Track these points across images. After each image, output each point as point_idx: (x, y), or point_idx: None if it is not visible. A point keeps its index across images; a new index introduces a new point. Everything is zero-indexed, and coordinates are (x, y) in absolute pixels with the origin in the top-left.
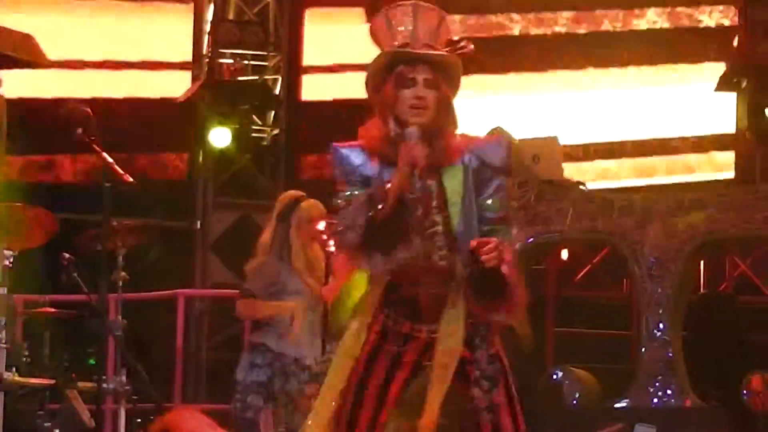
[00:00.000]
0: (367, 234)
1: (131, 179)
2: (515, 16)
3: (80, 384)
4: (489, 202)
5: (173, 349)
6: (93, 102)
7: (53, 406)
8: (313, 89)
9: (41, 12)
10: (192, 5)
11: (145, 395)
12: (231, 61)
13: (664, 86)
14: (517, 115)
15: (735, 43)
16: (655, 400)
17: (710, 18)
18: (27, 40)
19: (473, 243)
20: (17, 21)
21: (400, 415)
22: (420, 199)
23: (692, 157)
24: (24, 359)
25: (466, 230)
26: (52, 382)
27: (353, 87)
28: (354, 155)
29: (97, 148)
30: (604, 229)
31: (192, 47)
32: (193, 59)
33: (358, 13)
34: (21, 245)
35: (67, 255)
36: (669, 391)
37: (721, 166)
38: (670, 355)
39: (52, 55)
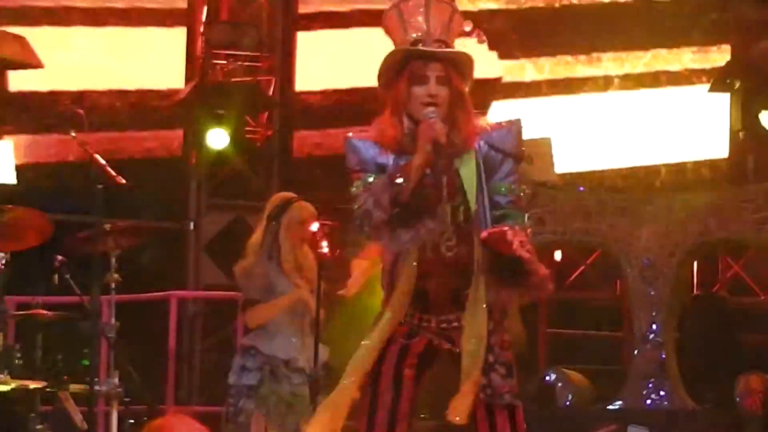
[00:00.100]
0: (392, 212)
1: (124, 181)
2: None
3: (72, 386)
4: (500, 186)
5: (166, 351)
6: (84, 98)
7: (45, 408)
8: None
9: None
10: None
11: (138, 397)
12: (224, 62)
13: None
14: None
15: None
16: (648, 401)
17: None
18: (19, 41)
19: (483, 235)
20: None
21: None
22: (434, 184)
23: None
24: (16, 361)
25: (482, 216)
26: (45, 384)
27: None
28: (367, 146)
29: (90, 150)
30: (597, 230)
31: (185, 48)
32: (186, 60)
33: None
34: (14, 247)
35: (59, 257)
36: (662, 393)
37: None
38: (663, 356)
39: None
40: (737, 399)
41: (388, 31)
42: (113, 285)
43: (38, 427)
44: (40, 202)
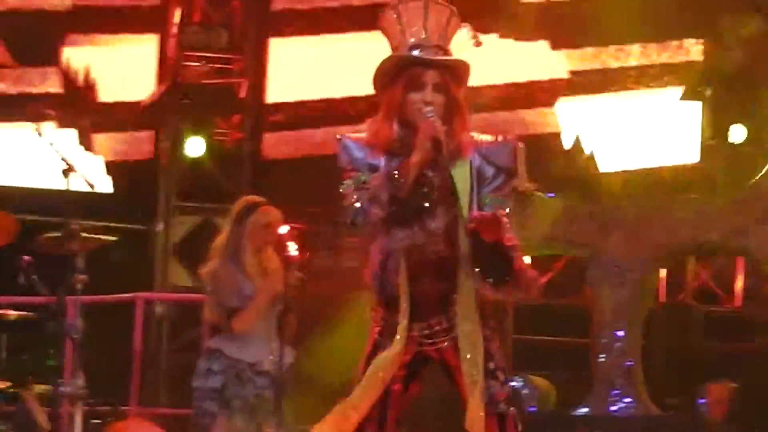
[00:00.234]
0: (389, 210)
1: (93, 183)
2: None
3: (37, 386)
4: (488, 198)
5: (132, 352)
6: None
7: (9, 408)
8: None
9: None
10: None
11: (103, 398)
12: (197, 64)
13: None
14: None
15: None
16: (614, 408)
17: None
18: None
19: (474, 215)
20: None
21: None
22: (431, 184)
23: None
24: None
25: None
26: (9, 384)
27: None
28: (358, 147)
29: (59, 151)
30: (565, 236)
31: (158, 50)
32: (158, 62)
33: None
34: None
35: (26, 257)
36: (627, 399)
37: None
38: (629, 363)
39: None
40: (702, 406)
41: (385, 32)
42: (79, 286)
43: (1, 427)
44: (8, 203)
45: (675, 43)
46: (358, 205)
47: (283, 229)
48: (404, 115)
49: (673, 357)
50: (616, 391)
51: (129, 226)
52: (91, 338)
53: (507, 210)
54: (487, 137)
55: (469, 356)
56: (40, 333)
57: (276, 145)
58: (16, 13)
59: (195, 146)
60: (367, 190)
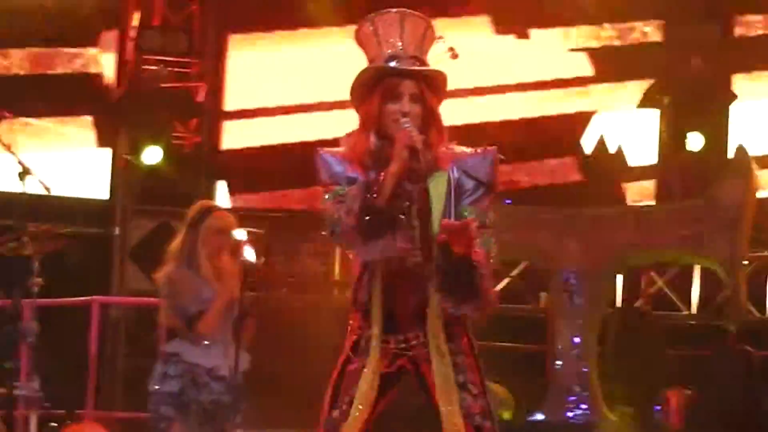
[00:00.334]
0: (363, 221)
1: (49, 186)
2: None
3: None
4: (468, 209)
5: (88, 356)
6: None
7: None
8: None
9: None
10: None
11: (58, 402)
12: (155, 67)
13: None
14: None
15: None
16: (570, 414)
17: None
18: None
19: (444, 222)
20: None
21: None
22: (409, 195)
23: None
24: None
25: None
26: None
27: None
28: (337, 161)
29: (15, 153)
30: (523, 243)
31: (116, 54)
32: (117, 65)
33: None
34: None
35: None
36: (584, 405)
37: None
38: (585, 369)
39: None
40: (658, 413)
41: (361, 45)
42: (35, 289)
43: None
44: None
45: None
46: (336, 216)
47: (240, 234)
48: (382, 127)
49: (628, 364)
50: (573, 398)
51: (85, 230)
52: (46, 342)
53: (488, 222)
54: (466, 149)
55: (439, 369)
56: None
57: (234, 148)
58: None
59: (152, 154)
60: (345, 201)
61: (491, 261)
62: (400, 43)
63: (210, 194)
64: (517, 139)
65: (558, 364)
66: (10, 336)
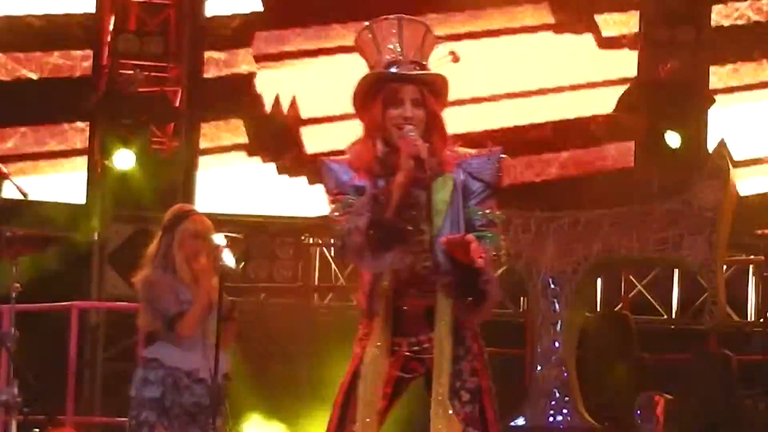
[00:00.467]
0: (370, 235)
1: (27, 191)
2: None
3: None
4: (475, 209)
5: (67, 361)
6: None
7: None
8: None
9: None
10: None
11: (37, 407)
12: (131, 72)
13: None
14: None
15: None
16: (550, 419)
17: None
18: None
19: (443, 239)
20: None
21: None
22: (413, 206)
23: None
24: None
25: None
26: None
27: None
28: (343, 169)
29: None
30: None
31: (92, 58)
32: (93, 70)
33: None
34: None
35: None
36: (564, 410)
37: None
38: (565, 374)
39: None
40: (636, 417)
41: (361, 52)
42: (14, 294)
43: None
44: None
45: None
46: (345, 229)
47: (218, 239)
48: (386, 134)
49: (609, 368)
50: (553, 402)
51: (64, 234)
52: (25, 347)
53: (496, 220)
54: (471, 151)
55: (438, 375)
56: None
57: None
58: None
59: (129, 158)
60: (352, 214)
61: (499, 257)
62: (399, 49)
63: (189, 198)
64: None
65: (538, 369)
66: None
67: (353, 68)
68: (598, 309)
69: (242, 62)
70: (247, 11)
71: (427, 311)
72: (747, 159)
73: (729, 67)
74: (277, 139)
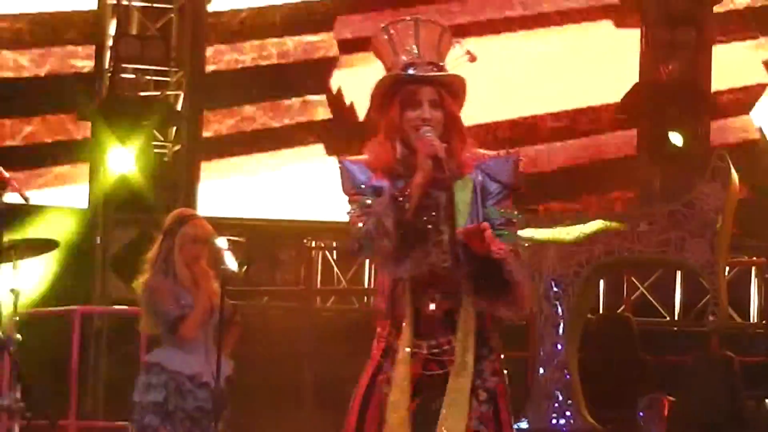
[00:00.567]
0: (397, 236)
1: (27, 196)
2: None
3: None
4: (493, 209)
5: (70, 365)
6: None
7: None
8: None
9: None
10: None
11: (40, 412)
12: (133, 76)
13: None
14: None
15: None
16: (553, 421)
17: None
18: None
19: (460, 230)
20: None
21: None
22: (432, 206)
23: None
24: None
25: None
26: None
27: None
28: (361, 170)
29: None
30: None
31: (94, 62)
32: (94, 74)
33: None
34: None
35: None
36: (567, 413)
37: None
38: (568, 376)
39: None
40: (641, 420)
41: (378, 54)
42: (16, 299)
43: None
44: None
45: None
46: (365, 230)
47: (221, 243)
48: (404, 136)
49: (610, 370)
50: (555, 405)
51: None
52: (28, 352)
53: (514, 219)
54: (489, 152)
55: (456, 376)
56: None
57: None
58: None
59: (130, 162)
60: (372, 215)
61: (519, 256)
62: (416, 50)
63: (190, 203)
64: None
65: (540, 371)
66: None
67: None
68: (601, 311)
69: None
70: None
71: (446, 313)
72: None
73: None
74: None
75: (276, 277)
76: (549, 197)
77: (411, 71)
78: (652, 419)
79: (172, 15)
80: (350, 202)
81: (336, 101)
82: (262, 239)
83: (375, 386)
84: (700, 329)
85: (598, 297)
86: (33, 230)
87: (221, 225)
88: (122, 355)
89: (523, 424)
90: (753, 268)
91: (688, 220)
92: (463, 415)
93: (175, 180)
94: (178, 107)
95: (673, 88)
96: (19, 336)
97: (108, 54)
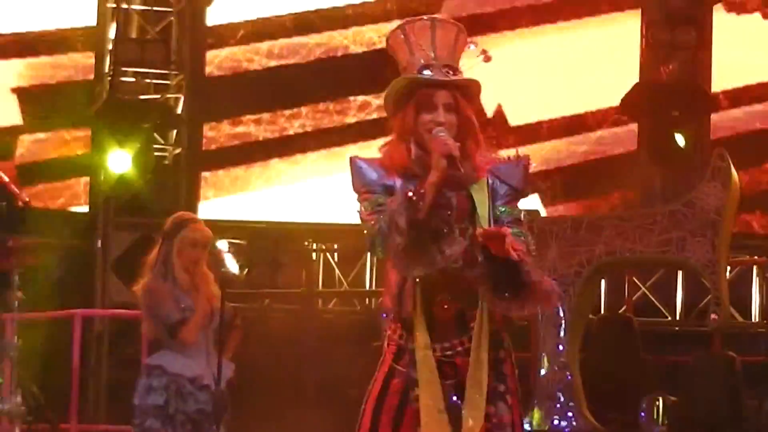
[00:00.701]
0: (410, 236)
1: (27, 199)
2: None
3: None
4: (503, 209)
5: (71, 369)
6: None
7: None
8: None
9: None
10: None
11: (41, 416)
12: (133, 79)
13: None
14: None
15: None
16: (554, 422)
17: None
18: None
19: (479, 231)
20: None
21: None
22: (445, 206)
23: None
24: None
25: None
26: None
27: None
28: (373, 168)
29: None
30: None
31: (94, 66)
32: (94, 78)
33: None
34: None
35: None
36: (569, 413)
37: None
38: (569, 377)
39: None
40: (641, 420)
41: (393, 53)
42: (16, 303)
43: None
44: None
45: None
46: (377, 228)
47: (222, 245)
48: (419, 138)
49: (612, 370)
50: (557, 405)
51: (67, 242)
52: (29, 355)
53: (522, 218)
54: (501, 157)
55: (475, 378)
56: None
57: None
58: None
59: (118, 161)
60: (385, 213)
61: (531, 254)
62: (432, 52)
63: (191, 206)
64: None
65: (542, 372)
66: None
67: None
68: (602, 311)
69: None
70: None
71: (458, 314)
72: None
73: None
74: None
75: (277, 279)
76: (549, 197)
77: (427, 72)
78: (654, 419)
79: (172, 18)
80: (360, 200)
81: None
82: (263, 242)
83: (388, 390)
84: (702, 329)
85: (599, 297)
86: (33, 233)
87: (222, 228)
88: (123, 358)
89: (525, 426)
90: (754, 268)
91: (688, 220)
92: (482, 407)
93: (175, 183)
94: (178, 110)
95: (673, 88)
96: (19, 339)
97: (108, 58)
